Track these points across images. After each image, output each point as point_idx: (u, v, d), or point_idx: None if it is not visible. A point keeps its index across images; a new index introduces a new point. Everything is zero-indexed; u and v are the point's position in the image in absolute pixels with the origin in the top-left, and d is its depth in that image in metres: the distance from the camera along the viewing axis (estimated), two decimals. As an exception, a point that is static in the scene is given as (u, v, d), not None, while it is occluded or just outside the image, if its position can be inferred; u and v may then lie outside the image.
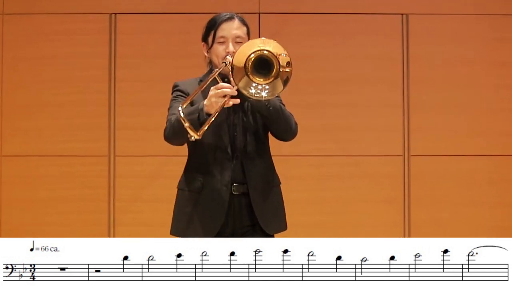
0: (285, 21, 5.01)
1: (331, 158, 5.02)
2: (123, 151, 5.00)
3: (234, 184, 2.92)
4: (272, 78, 2.74)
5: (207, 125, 2.71)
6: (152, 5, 5.07)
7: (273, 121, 2.93)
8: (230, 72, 2.76)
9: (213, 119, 2.74)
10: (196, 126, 2.69)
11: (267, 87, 2.74)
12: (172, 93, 3.11)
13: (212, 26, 3.03)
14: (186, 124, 2.63)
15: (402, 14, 5.07)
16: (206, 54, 3.09)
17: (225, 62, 2.89)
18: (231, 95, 2.76)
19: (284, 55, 2.72)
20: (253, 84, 2.74)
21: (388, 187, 5.01)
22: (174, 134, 2.89)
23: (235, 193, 2.92)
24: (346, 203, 4.99)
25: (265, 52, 2.72)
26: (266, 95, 2.74)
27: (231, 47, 2.96)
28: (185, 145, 3.05)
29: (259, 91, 2.73)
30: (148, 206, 4.93)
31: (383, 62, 5.05)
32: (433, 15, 5.08)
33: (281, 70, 2.72)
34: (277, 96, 2.96)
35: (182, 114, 2.65)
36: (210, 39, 3.03)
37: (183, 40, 4.97)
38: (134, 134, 4.98)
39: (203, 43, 3.09)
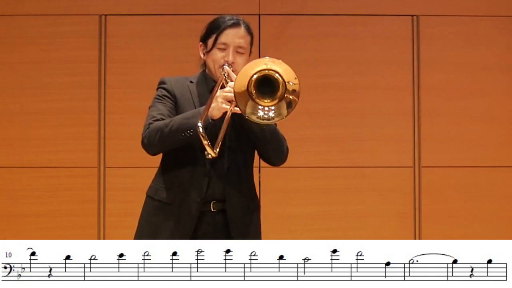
0: (286, 23, 5.13)
1: (335, 170, 5.12)
2: (114, 162, 5.11)
3: (213, 202, 3.00)
4: (277, 100, 2.77)
5: (221, 141, 2.80)
6: (145, 6, 5.18)
7: (265, 143, 3.02)
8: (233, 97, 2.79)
9: (223, 134, 2.83)
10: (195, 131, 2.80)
11: (273, 108, 2.77)
12: (157, 89, 3.15)
13: (215, 29, 3.09)
14: (205, 142, 2.74)
15: (413, 16, 5.19)
16: (202, 56, 3.18)
17: (224, 74, 2.99)
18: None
19: (292, 84, 2.75)
20: (259, 107, 2.77)
21: (397, 201, 5.11)
22: (162, 142, 2.95)
23: (213, 210, 3.00)
24: (352, 218, 5.08)
25: (269, 71, 2.76)
26: (274, 116, 2.77)
27: (230, 57, 3.04)
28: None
29: (266, 112, 2.77)
30: (141, 221, 5.05)
31: (392, 67, 5.16)
32: (446, 17, 5.20)
33: (285, 95, 2.76)
34: None
35: (201, 130, 2.74)
36: (210, 42, 3.10)
37: (178, 44, 5.08)
38: (125, 144, 5.05)
39: (200, 43, 3.17)
